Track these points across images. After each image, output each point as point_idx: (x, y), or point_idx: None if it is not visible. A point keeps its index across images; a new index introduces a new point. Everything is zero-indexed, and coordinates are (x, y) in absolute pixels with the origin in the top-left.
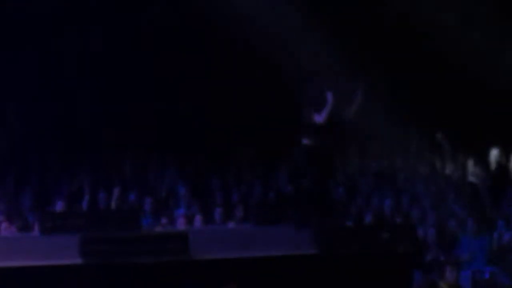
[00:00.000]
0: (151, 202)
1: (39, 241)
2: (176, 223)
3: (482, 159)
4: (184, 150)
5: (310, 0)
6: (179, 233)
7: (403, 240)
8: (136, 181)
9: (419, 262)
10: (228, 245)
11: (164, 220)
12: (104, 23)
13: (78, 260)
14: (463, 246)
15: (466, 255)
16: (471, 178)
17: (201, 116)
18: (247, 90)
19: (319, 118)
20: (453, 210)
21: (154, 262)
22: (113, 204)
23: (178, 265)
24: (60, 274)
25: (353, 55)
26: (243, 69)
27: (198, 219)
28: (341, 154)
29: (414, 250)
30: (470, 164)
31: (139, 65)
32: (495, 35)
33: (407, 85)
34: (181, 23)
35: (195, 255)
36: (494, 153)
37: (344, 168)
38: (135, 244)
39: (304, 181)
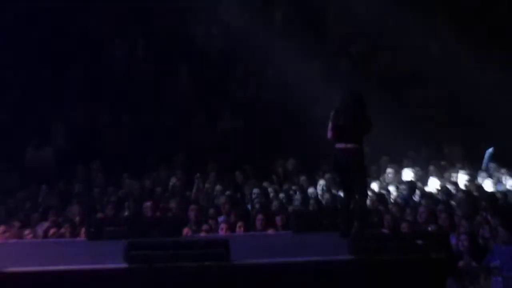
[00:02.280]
0: (194, 210)
1: (85, 246)
2: (217, 230)
3: None
4: (227, 162)
5: None
6: (220, 239)
7: (436, 247)
8: (179, 192)
9: (451, 269)
10: (268, 251)
11: (206, 227)
12: None
13: (123, 265)
14: (494, 254)
15: (497, 262)
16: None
17: (244, 130)
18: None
19: (328, 134)
20: (485, 218)
21: (196, 267)
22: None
23: (219, 270)
24: (106, 277)
25: None
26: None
27: (239, 226)
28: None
29: (447, 257)
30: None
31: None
32: None
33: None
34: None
35: (236, 261)
36: None
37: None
38: (178, 250)
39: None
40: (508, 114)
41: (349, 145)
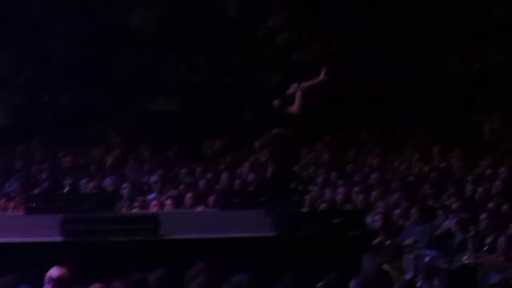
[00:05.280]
0: (128, 187)
1: (24, 220)
2: (148, 206)
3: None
4: (160, 142)
5: None
6: (151, 215)
7: (353, 226)
8: (114, 170)
9: (367, 246)
10: (195, 227)
11: (138, 204)
12: None
13: (59, 238)
14: (407, 232)
15: (409, 241)
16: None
17: (176, 112)
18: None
19: (294, 108)
20: (398, 199)
21: (127, 241)
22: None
23: (149, 244)
24: (42, 250)
25: None
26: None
27: (168, 204)
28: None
29: (363, 235)
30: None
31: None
32: None
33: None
34: None
35: (165, 235)
36: (436, 149)
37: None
38: (110, 225)
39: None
40: None
41: (273, 131)
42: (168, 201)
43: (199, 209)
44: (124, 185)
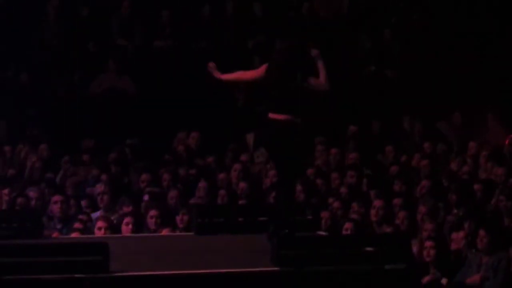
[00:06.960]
0: (60, 202)
1: None
2: (92, 230)
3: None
4: (107, 136)
5: None
6: (96, 243)
7: (393, 256)
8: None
9: (413, 284)
10: (161, 260)
11: (77, 225)
12: None
13: None
14: (471, 265)
15: (474, 278)
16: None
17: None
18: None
19: (319, 81)
20: (458, 218)
21: (63, 280)
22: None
23: (95, 284)
24: None
25: None
26: None
27: (123, 225)
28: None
29: (407, 269)
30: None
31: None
32: None
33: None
34: None
35: (117, 272)
36: None
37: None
38: (37, 257)
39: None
40: None
41: (280, 116)
42: (125, 221)
43: (165, 232)
44: (55, 198)
